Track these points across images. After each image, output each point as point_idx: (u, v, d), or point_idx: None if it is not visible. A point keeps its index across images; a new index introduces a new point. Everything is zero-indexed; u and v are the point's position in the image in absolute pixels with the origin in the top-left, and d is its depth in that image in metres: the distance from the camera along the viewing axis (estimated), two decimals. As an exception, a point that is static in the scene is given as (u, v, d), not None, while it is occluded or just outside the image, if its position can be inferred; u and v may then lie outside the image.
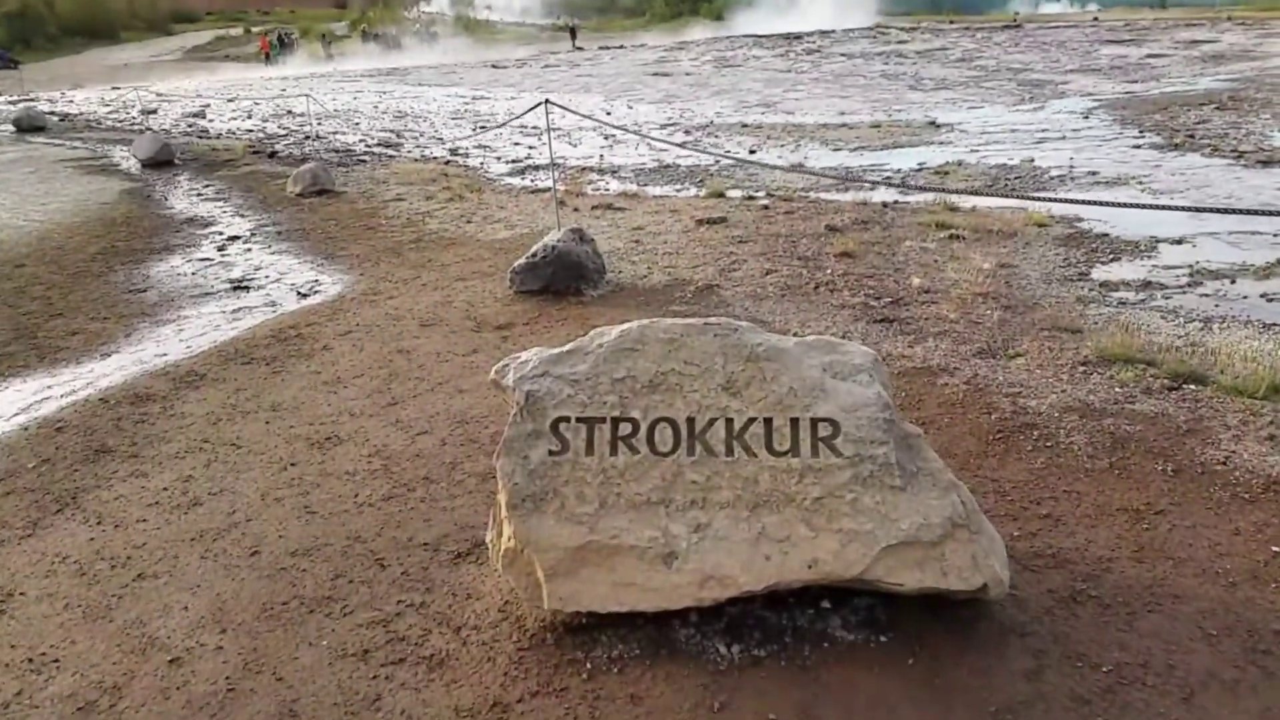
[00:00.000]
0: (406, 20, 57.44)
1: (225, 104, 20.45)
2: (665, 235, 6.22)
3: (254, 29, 56.89)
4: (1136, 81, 17.05)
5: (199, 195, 9.02)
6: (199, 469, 3.01)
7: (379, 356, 4.00)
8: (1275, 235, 5.58)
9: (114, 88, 27.52)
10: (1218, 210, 2.85)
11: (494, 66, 32.85)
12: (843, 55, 28.53)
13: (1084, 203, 3.60)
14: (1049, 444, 2.70)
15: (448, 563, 2.30)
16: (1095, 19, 41.69)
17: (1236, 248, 5.36)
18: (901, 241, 5.67)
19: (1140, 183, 7.52)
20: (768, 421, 1.85)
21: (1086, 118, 11.97)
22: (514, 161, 11.21)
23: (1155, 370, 3.23)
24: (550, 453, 1.90)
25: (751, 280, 4.87)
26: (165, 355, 4.36)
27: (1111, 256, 5.24)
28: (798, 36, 36.87)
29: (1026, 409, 2.97)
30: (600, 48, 40.64)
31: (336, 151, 11.89)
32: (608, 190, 8.81)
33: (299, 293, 5.44)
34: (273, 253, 6.57)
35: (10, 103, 22.27)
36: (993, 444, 2.73)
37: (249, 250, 6.66)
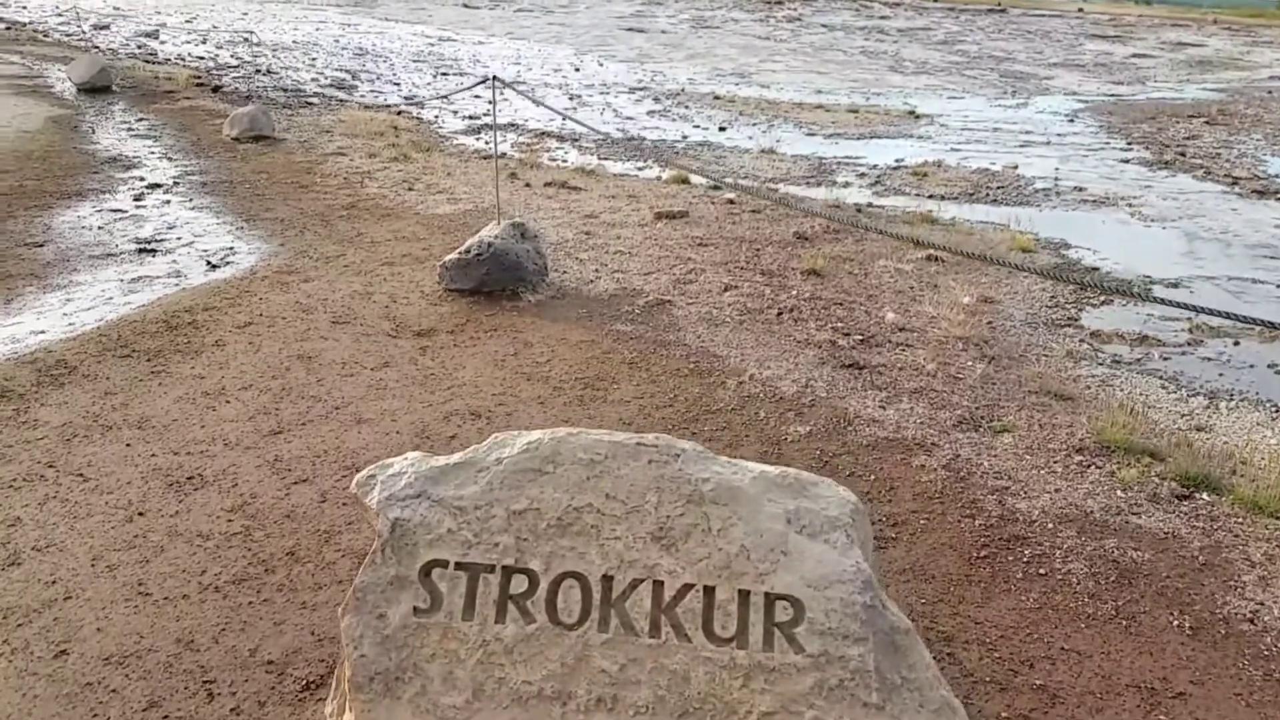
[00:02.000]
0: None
1: (182, 23, 19.17)
2: (620, 228, 5.69)
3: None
4: (1122, 83, 16.75)
5: (129, 130, 8.22)
6: (31, 509, 2.48)
7: (275, 362, 3.46)
8: (1278, 286, 5.26)
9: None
10: (1255, 322, 2.41)
11: (465, 5, 31.48)
12: (824, 26, 27.84)
13: (1132, 295, 3.17)
14: (1043, 570, 2.30)
15: (292, 698, 1.83)
16: (1080, 10, 41.43)
17: (1237, 299, 5.03)
18: (875, 260, 5.23)
19: (1130, 205, 7.17)
20: (709, 592, 1.40)
21: (1072, 121, 11.60)
22: (470, 118, 10.51)
23: (1161, 468, 2.84)
24: (416, 611, 1.42)
25: (709, 297, 4.39)
26: (42, 334, 3.76)
27: (1102, 298, 4.86)
28: (779, 2, 35.98)
29: (1016, 513, 2.56)
30: (579, -6, 39.28)
31: (285, 90, 11.05)
32: (565, 163, 8.23)
33: (209, 262, 4.83)
34: (192, 208, 5.91)
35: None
36: (977, 564, 2.32)
37: (167, 203, 5.98)
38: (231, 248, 5.09)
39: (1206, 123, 11.65)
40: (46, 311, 4.01)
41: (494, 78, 4.60)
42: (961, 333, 4.04)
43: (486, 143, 9.03)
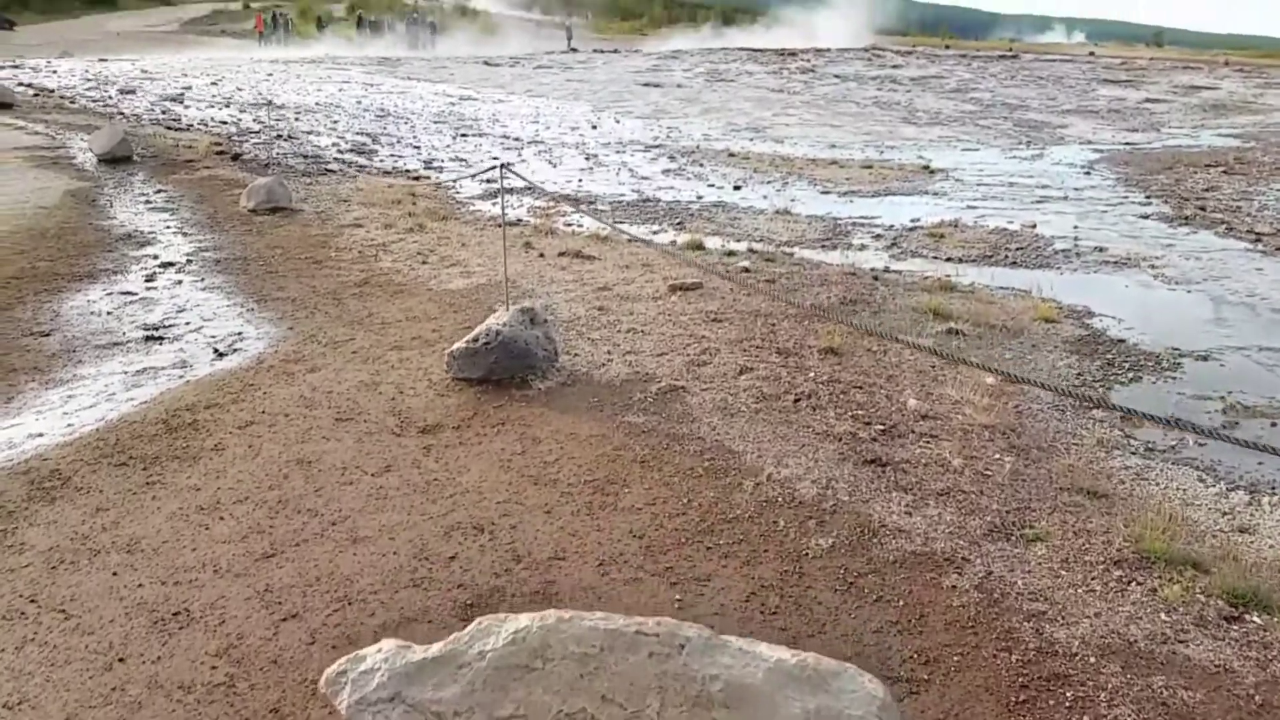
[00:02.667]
0: (405, 6, 56.47)
1: (208, 87, 19.61)
2: (634, 302, 5.61)
3: (252, 4, 55.76)
4: (1137, 130, 16.68)
5: (147, 203, 8.30)
6: (8, 655, 2.37)
7: (273, 469, 3.36)
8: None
9: (101, 59, 26.52)
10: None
11: (486, 63, 32.10)
12: (836, 76, 28.06)
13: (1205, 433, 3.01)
14: (1087, 718, 2.12)
15: None
16: (1092, 54, 41.60)
17: (1272, 373, 4.84)
18: (895, 334, 5.09)
19: (1153, 266, 7.01)
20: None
21: (1088, 173, 11.50)
22: (488, 182, 10.55)
23: (1206, 581, 2.66)
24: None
25: (724, 381, 4.27)
26: (40, 438, 3.69)
27: (1131, 374, 4.70)
28: (792, 53, 36.43)
29: (1055, 644, 2.38)
30: (595, 50, 39.97)
31: (304, 157, 11.18)
32: (580, 229, 8.20)
33: (216, 350, 4.78)
34: (203, 288, 5.89)
35: (-11, 69, 21.29)
36: (1016, 710, 2.14)
37: (179, 283, 5.97)
38: (240, 333, 5.04)
39: (1224, 172, 11.51)
40: (47, 411, 3.95)
41: (502, 165, 4.55)
42: (987, 420, 3.89)
43: (504, 166, 9.03)
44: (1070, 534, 2.98)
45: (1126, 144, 14.57)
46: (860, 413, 3.93)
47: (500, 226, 8.03)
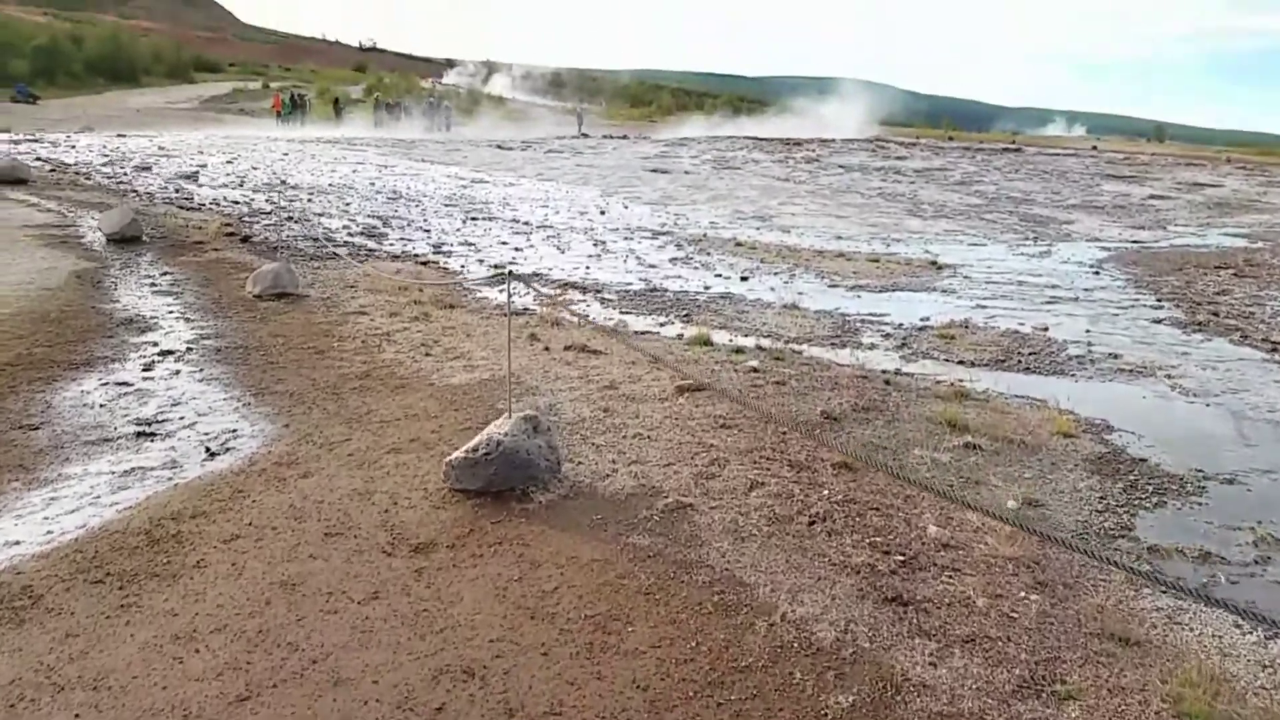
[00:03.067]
0: (422, 91, 58.26)
1: (223, 165, 19.98)
2: (640, 403, 5.48)
3: (272, 84, 57.59)
4: (1143, 228, 16.80)
5: (152, 286, 8.27)
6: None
7: (255, 592, 3.17)
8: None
9: (120, 135, 27.18)
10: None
11: (499, 147, 32.84)
12: (841, 167, 28.57)
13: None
14: None
15: None
16: (1094, 148, 42.52)
17: (1301, 500, 4.66)
18: (910, 448, 4.94)
19: (1169, 376, 6.88)
20: None
21: (1098, 273, 11.50)
22: (496, 267, 10.57)
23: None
24: None
25: (734, 498, 4.09)
26: (16, 546, 3.52)
27: (1156, 498, 4.52)
28: (798, 143, 37.26)
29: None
30: (605, 136, 40.97)
31: (314, 240, 11.24)
32: (587, 319, 8.14)
33: (208, 449, 4.64)
34: (201, 379, 5.78)
35: (13, 142, 21.76)
36: None
37: (176, 373, 5.87)
38: (234, 430, 4.90)
39: (1235, 275, 11.50)
40: (27, 515, 3.78)
41: (509, 273, 4.48)
42: (1010, 551, 3.70)
43: (509, 296, 9.00)
44: (1104, 691, 2.77)
45: (1134, 242, 14.64)
46: (878, 539, 3.75)
47: (506, 316, 8.00)
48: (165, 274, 8.76)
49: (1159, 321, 8.75)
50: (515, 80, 77.08)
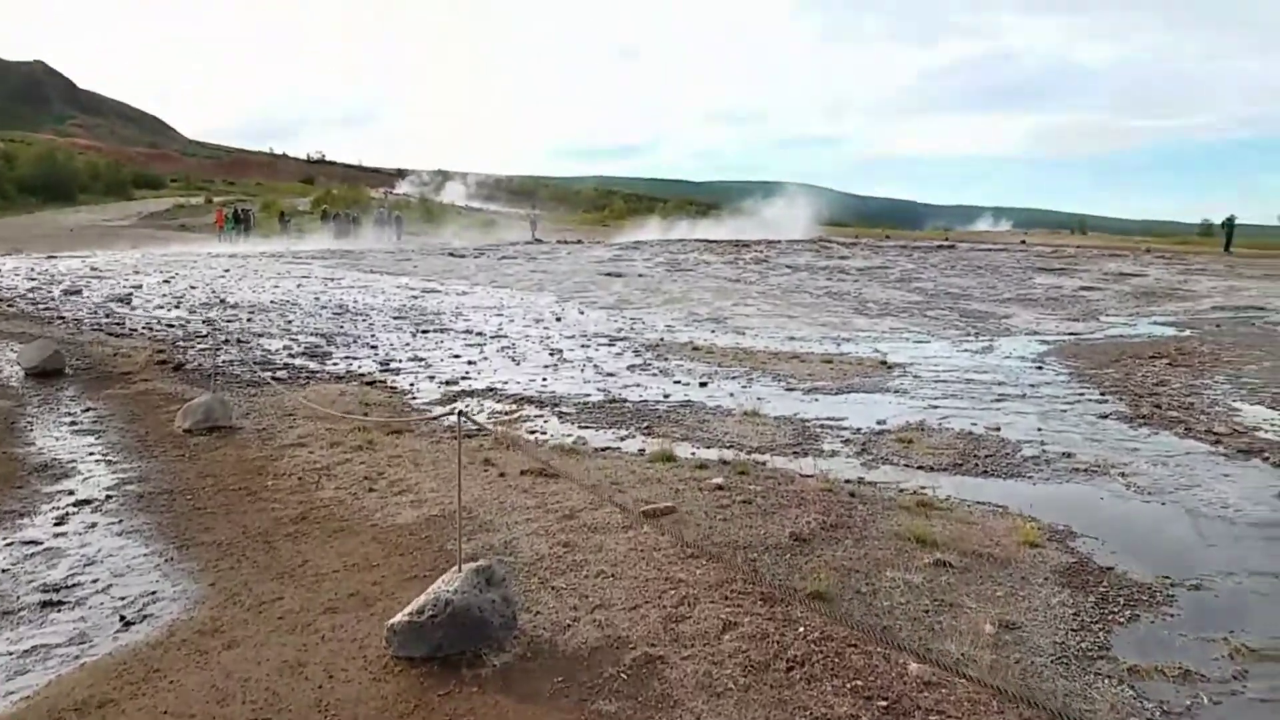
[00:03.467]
0: (372, 201, 58.77)
1: (159, 285, 19.58)
2: (602, 534, 5.21)
3: (215, 199, 57.54)
4: (1077, 319, 17.31)
5: (72, 425, 7.81)
6: None
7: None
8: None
9: (51, 256, 26.62)
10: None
11: (451, 254, 33.02)
12: (788, 267, 29.25)
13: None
14: None
15: None
16: (1023, 242, 44.37)
17: (1267, 603, 4.56)
18: (882, 570, 4.74)
19: (1123, 474, 6.86)
20: None
21: (1040, 368, 11.68)
22: (448, 383, 10.33)
23: None
24: None
25: (706, 643, 3.82)
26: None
27: (1128, 611, 4.37)
28: (746, 245, 38.22)
29: None
30: (559, 241, 41.55)
31: (253, 364, 10.88)
32: (545, 437, 7.91)
33: (123, 617, 4.22)
34: (120, 531, 5.36)
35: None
36: None
37: (92, 526, 5.43)
38: (154, 592, 4.50)
39: (1169, 364, 11.79)
40: (-94, 714, 3.34)
41: (459, 413, 4.26)
42: (994, 681, 3.47)
43: (462, 413, 8.73)
44: None
45: (1071, 334, 15.03)
46: (859, 683, 3.50)
47: (456, 439, 7.71)
48: (88, 410, 8.32)
49: (1105, 416, 8.82)
50: (469, 188, 78.46)
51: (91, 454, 6.96)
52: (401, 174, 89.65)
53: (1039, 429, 8.28)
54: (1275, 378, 10.72)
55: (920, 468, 7.04)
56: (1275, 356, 12.31)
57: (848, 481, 6.53)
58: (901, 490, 6.32)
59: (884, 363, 12.02)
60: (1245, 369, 11.41)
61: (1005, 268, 28.85)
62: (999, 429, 8.23)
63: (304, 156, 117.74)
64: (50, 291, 17.47)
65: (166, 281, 20.36)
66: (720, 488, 6.15)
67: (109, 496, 5.97)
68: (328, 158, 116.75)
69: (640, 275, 25.99)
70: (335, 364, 11.23)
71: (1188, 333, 15.12)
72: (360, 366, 11.11)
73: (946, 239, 47.94)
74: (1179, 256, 33.08)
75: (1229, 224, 38.05)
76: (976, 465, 7.10)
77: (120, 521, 5.53)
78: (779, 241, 39.76)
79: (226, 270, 23.94)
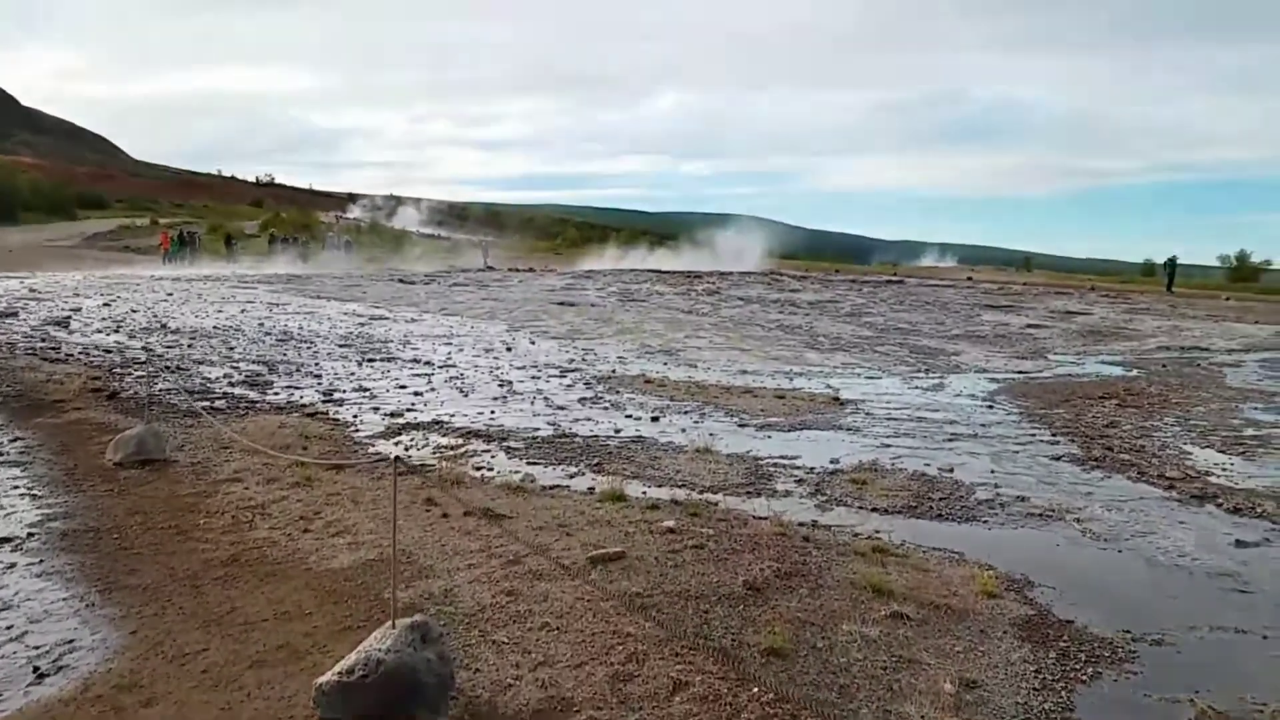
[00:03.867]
0: (321, 225, 57.93)
1: (100, 308, 18.85)
2: (549, 581, 5.02)
3: (161, 220, 56.12)
4: (1026, 357, 17.60)
5: (-4, 455, 7.39)
6: None
7: None
8: (1264, 637, 4.80)
9: (-16, 276, 25.57)
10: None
11: (401, 281, 32.51)
12: (740, 299, 29.36)
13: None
14: None
15: None
16: (970, 278, 45.30)
17: (1230, 659, 4.53)
18: (838, 623, 4.62)
19: (1078, 520, 6.88)
20: None
21: (991, 407, 11.79)
22: (392, 415, 10.05)
23: None
24: None
25: (655, 706, 3.65)
26: None
27: (1090, 668, 4.31)
28: (698, 276, 38.38)
29: None
30: (510, 269, 41.28)
31: (190, 393, 10.48)
32: (491, 473, 7.69)
33: (36, 668, 3.91)
34: (40, 574, 5.02)
35: None
36: None
37: (11, 568, 5.08)
38: (72, 640, 4.19)
39: (1119, 405, 11.99)
40: None
41: (395, 459, 4.06)
42: (955, 750, 3.36)
43: (407, 451, 8.48)
44: None
45: (1020, 373, 15.26)
46: (814, 750, 3.36)
47: (398, 478, 7.45)
48: (15, 440, 7.88)
49: (1058, 459, 8.89)
50: (421, 214, 77.81)
51: (16, 488, 6.56)
52: (353, 198, 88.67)
53: (992, 470, 8.31)
54: (1223, 420, 10.97)
55: (875, 510, 6.98)
56: (1221, 398, 12.61)
57: (802, 524, 6.43)
58: (856, 534, 6.25)
59: (836, 399, 12.03)
60: (1193, 410, 11.66)
61: (953, 304, 29.35)
62: (952, 470, 8.23)
63: (253, 179, 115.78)
64: (-19, 315, 16.70)
65: (107, 305, 19.64)
66: (672, 531, 6.00)
67: (31, 534, 5.61)
68: (278, 180, 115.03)
69: (593, 305, 25.87)
70: (277, 393, 10.86)
71: (1135, 373, 15.46)
72: (303, 397, 10.75)
73: (895, 274, 48.75)
74: (1123, 295, 34.05)
75: (1171, 264, 39.33)
76: (931, 508, 7.06)
77: (41, 562, 5.18)
78: (731, 273, 40.01)
79: (169, 294, 23.21)
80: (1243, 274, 45.78)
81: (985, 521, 6.82)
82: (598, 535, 5.81)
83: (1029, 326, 23.28)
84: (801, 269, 48.87)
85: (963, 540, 6.29)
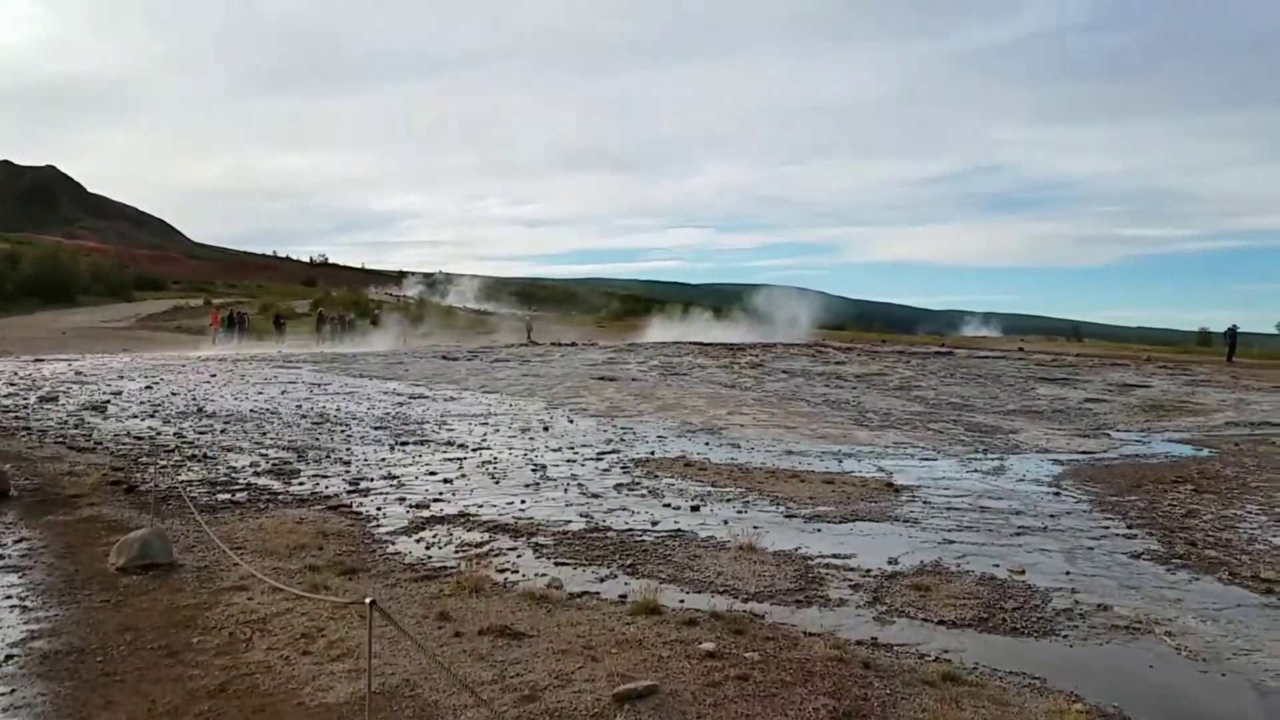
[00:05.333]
0: (371, 303, 58.90)
1: (140, 391, 18.93)
2: (569, 722, 4.38)
3: (214, 300, 57.63)
4: (1087, 435, 16.63)
5: (-1, 559, 7.03)
6: None
7: None
8: None
9: (37, 359, 26.11)
10: None
11: (444, 358, 32.53)
12: (784, 372, 28.71)
13: None
14: None
15: None
16: (1021, 349, 44.09)
17: None
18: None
19: (1169, 633, 6.05)
20: None
21: (1058, 494, 10.92)
22: (418, 506, 9.57)
23: None
24: None
25: None
26: None
27: None
28: (741, 348, 37.89)
29: None
30: (553, 343, 41.23)
31: (213, 484, 10.14)
32: (515, 576, 7.12)
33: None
34: (8, 707, 4.55)
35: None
36: None
37: (-24, 696, 4.61)
38: (18, 801, 3.66)
39: (1195, 490, 11.05)
40: None
41: (371, 603, 3.53)
42: None
43: (427, 549, 7.97)
44: None
45: (1084, 453, 14.32)
46: None
47: (419, 581, 6.90)
48: (20, 541, 7.53)
49: (1138, 556, 8.04)
50: (468, 290, 78.92)
51: (8, 597, 6.15)
52: (403, 276, 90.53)
53: (1067, 572, 7.49)
54: (1312, 508, 9.99)
55: (942, 622, 6.23)
56: (1306, 482, 11.59)
57: (860, 644, 5.71)
58: (923, 656, 5.51)
59: (890, 484, 11.29)
60: (1276, 496, 10.68)
61: (1006, 376, 28.33)
62: (1023, 572, 7.43)
63: (307, 259, 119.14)
64: (26, 399, 16.80)
65: (149, 387, 19.73)
66: (712, 655, 5.31)
67: (9, 657, 5.16)
68: (331, 260, 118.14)
69: (634, 380, 25.44)
70: (302, 483, 10.47)
71: (1206, 452, 14.43)
72: (328, 487, 10.34)
73: (944, 344, 47.72)
74: (1181, 366, 32.66)
75: (1231, 334, 37.73)
76: (1004, 620, 6.28)
77: (13, 691, 4.71)
78: (775, 346, 39.44)
79: (213, 375, 23.36)
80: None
81: (1066, 636, 6.02)
82: (627, 662, 5.17)
83: (1087, 401, 22.20)
84: (847, 340, 48.13)
85: (1043, 662, 5.52)
